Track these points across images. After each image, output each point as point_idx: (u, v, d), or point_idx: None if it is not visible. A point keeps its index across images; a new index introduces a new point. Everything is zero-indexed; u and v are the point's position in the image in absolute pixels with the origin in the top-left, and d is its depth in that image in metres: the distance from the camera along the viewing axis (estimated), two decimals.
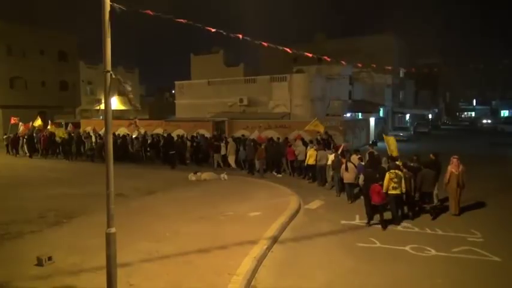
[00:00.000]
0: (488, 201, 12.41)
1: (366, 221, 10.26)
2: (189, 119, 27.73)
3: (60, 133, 24.04)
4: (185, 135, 22.48)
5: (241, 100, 29.64)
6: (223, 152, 19.24)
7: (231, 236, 8.91)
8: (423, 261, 7.79)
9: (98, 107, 42.37)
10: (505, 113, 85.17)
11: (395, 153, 12.34)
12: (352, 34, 53.47)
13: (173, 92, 42.01)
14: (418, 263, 7.73)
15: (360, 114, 33.73)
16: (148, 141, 22.16)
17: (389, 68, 21.24)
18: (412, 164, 11.23)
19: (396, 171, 10.11)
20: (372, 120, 33.70)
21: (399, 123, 44.80)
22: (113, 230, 6.00)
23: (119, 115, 31.92)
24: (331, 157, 14.12)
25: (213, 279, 6.66)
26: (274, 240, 8.83)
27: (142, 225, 9.76)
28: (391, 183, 9.95)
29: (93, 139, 24.02)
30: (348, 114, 32.01)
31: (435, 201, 11.31)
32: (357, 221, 10.56)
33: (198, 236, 8.98)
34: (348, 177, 12.43)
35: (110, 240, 5.98)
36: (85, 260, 7.43)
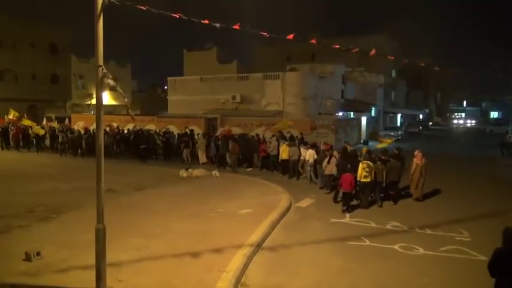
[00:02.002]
0: (476, 201, 12.57)
1: (344, 208, 11.32)
2: (182, 115, 27.60)
3: (36, 129, 24.29)
4: (157, 130, 23.21)
5: (234, 97, 29.61)
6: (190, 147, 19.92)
7: (221, 233, 8.92)
8: (412, 260, 7.88)
9: (89, 102, 41.97)
10: (494, 114, 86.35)
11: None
12: (346, 34, 53.68)
13: (165, 87, 41.74)
14: (407, 261, 7.81)
15: (352, 113, 33.91)
16: (118, 136, 22.49)
17: (391, 57, 21.33)
18: (383, 157, 12.75)
19: (368, 162, 11.63)
20: (364, 120, 33.90)
21: (390, 123, 45.16)
22: (102, 225, 5.97)
23: (110, 110, 31.62)
24: (309, 152, 15.08)
25: (202, 276, 6.66)
26: (265, 237, 8.85)
27: (133, 221, 9.71)
28: (363, 172, 11.44)
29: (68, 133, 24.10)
30: (340, 113, 32.16)
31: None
32: (347, 219, 10.64)
33: (188, 232, 8.96)
34: (329, 169, 13.33)
35: (99, 235, 5.94)
36: (74, 255, 7.37)
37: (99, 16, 5.49)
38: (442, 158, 24.97)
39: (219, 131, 21.53)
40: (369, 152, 12.95)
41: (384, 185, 12.22)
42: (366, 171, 11.41)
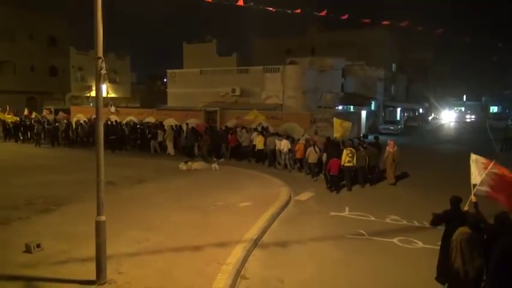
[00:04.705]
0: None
1: (330, 188, 13.01)
2: (181, 108, 27.52)
3: (8, 118, 24.77)
4: (128, 122, 24.01)
5: (233, 90, 29.49)
6: (159, 138, 20.36)
7: (221, 225, 8.94)
8: (410, 254, 7.93)
9: (88, 94, 41.86)
10: (493, 108, 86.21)
11: (338, 135, 15.04)
12: (347, 27, 53.35)
13: (165, 80, 41.60)
14: (405, 255, 7.86)
15: (351, 107, 33.83)
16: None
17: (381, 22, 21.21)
18: (364, 145, 14.31)
19: (351, 149, 13.12)
20: (364, 114, 33.84)
21: (390, 117, 45.06)
22: (102, 217, 5.99)
23: (109, 102, 31.45)
24: (283, 143, 16.12)
25: (202, 268, 6.69)
26: (264, 230, 8.88)
27: (133, 213, 9.74)
28: (347, 157, 12.84)
29: (46, 124, 24.32)
30: (340, 107, 32.08)
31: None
32: (346, 212, 10.67)
33: (188, 225, 8.99)
34: (312, 157, 14.60)
35: (99, 228, 5.97)
36: (74, 247, 7.39)
37: (99, 8, 5.45)
38: (441, 153, 25.04)
39: (193, 123, 21.79)
40: (352, 141, 14.73)
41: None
42: (349, 157, 12.87)
